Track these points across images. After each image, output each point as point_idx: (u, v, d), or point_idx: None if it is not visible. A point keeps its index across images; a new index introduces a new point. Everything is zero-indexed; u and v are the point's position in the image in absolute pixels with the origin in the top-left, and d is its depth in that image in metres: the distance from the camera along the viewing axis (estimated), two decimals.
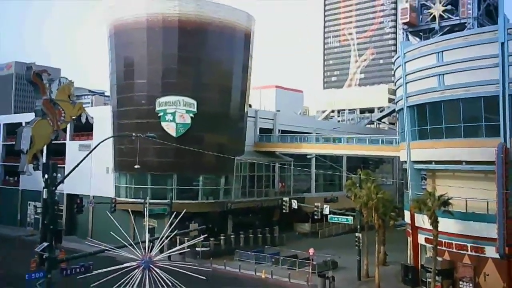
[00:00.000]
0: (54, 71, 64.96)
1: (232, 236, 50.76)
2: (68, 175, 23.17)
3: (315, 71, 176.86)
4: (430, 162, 36.22)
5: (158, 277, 16.48)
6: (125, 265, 16.38)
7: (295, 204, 42.65)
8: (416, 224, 36.77)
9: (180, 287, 16.35)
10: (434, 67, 34.72)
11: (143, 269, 16.57)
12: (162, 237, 19.47)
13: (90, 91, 68.29)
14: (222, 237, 49.30)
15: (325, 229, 59.16)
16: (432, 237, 32.77)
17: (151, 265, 16.65)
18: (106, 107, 55.31)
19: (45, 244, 19.67)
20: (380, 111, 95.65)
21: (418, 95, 36.39)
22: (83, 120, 47.73)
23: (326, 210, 40.80)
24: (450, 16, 47.50)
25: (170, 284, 16.27)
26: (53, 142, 57.10)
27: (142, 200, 45.14)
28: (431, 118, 35.34)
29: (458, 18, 46.84)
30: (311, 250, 38.89)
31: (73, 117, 47.39)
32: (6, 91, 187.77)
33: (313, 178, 65.24)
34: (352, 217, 40.28)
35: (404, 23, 48.98)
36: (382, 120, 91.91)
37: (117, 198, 50.17)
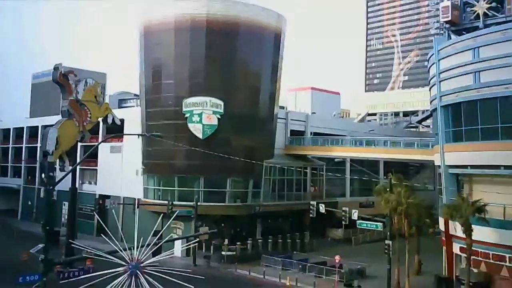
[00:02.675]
0: (99, 76, 64.51)
1: (260, 240, 49.48)
2: (68, 173, 22.51)
3: (355, 73, 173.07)
4: (465, 166, 33.69)
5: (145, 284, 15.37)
6: (111, 270, 15.33)
7: (322, 208, 40.84)
8: (450, 232, 34.32)
9: None
10: (469, 64, 32.33)
11: (130, 274, 15.50)
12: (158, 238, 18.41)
13: (135, 95, 68.10)
14: (249, 241, 48.11)
15: (359, 236, 56.66)
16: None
17: (138, 271, 15.54)
18: (137, 109, 55.29)
19: (40, 245, 18.78)
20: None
21: (452, 94, 33.96)
22: (109, 121, 47.62)
23: (355, 215, 38.84)
24: (495, 13, 44.38)
25: None
26: (87, 144, 56.88)
27: (166, 202, 44.89)
28: (467, 119, 32.84)
29: (504, 15, 43.69)
30: (337, 257, 37.07)
31: (100, 118, 47.24)
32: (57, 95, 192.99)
33: (348, 182, 62.99)
34: (382, 224, 38.12)
35: (446, 22, 46.22)
36: (424, 124, 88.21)
37: (145, 200, 50.06)
